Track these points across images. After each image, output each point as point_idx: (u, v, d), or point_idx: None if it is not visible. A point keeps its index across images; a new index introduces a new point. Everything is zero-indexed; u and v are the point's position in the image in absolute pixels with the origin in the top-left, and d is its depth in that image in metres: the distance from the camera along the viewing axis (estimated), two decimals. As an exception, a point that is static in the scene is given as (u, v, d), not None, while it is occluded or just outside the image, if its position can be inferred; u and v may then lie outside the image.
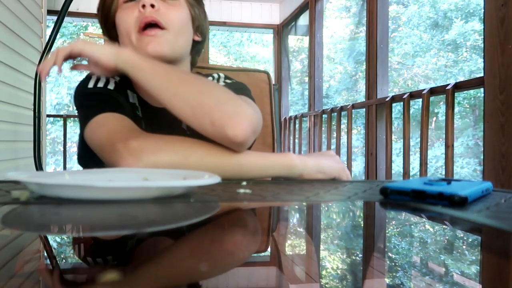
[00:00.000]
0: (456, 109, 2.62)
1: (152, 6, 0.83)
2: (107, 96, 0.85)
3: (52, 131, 10.85)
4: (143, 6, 0.82)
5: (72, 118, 4.52)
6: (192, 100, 0.72)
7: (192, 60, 0.98)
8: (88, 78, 0.90)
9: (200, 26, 0.94)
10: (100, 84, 0.87)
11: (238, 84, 0.96)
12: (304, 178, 0.76)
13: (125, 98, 0.88)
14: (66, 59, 0.78)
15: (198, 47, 0.97)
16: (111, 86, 0.88)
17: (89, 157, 0.81)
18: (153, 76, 0.75)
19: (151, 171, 0.63)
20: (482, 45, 1.95)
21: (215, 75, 0.99)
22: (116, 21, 0.88)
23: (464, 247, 0.38)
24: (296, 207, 0.54)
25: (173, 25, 0.85)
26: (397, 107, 5.78)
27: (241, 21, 4.92)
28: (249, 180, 0.71)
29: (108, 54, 0.76)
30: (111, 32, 0.92)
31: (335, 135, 3.38)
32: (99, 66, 0.78)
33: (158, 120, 0.88)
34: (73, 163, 10.47)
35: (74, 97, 0.91)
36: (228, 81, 0.98)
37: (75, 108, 0.90)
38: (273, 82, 1.34)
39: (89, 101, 0.85)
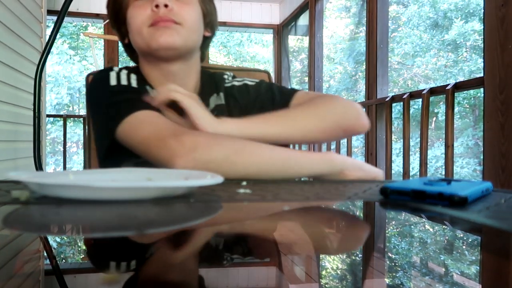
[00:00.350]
0: (456, 109, 2.62)
1: (166, 6, 0.82)
2: (137, 93, 0.84)
3: (52, 131, 10.85)
4: (157, 6, 0.82)
5: (72, 118, 4.52)
6: (321, 126, 0.82)
7: (202, 55, 0.98)
8: (105, 74, 0.88)
9: (211, 21, 0.94)
10: (124, 82, 0.86)
11: (266, 84, 0.97)
12: (346, 175, 0.76)
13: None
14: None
15: (207, 42, 0.98)
16: (134, 83, 0.87)
17: (111, 156, 0.81)
18: (270, 134, 0.78)
19: (154, 171, 0.63)
20: (482, 45, 1.95)
21: (228, 73, 1.01)
22: (128, 19, 0.88)
23: (464, 247, 0.38)
24: (296, 207, 0.54)
25: (187, 21, 0.85)
26: (397, 107, 5.77)
27: (241, 21, 4.92)
28: (288, 178, 0.71)
29: (207, 123, 0.76)
30: (121, 28, 0.92)
31: (335, 135, 3.37)
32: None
33: None
34: (73, 163, 10.47)
35: (93, 95, 0.88)
36: (250, 81, 0.99)
37: (92, 106, 0.87)
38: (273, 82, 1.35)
39: (119, 98, 0.83)
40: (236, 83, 0.98)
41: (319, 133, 0.82)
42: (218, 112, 0.96)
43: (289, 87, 1.00)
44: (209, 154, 0.67)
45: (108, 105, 0.83)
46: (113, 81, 0.86)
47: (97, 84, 0.88)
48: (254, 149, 0.71)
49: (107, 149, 0.83)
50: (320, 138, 0.84)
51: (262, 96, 0.96)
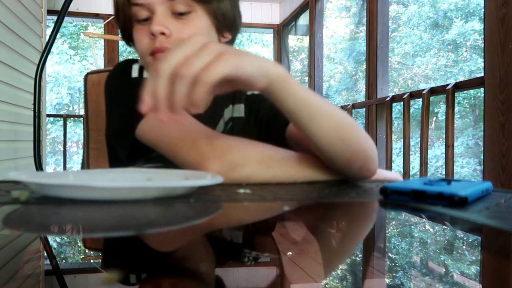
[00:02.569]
0: (456, 109, 2.62)
1: (163, 33, 0.75)
2: None
3: (52, 131, 10.85)
4: (153, 34, 0.75)
5: (72, 118, 4.53)
6: (356, 146, 0.66)
7: None
8: (127, 64, 0.83)
9: (229, 24, 0.83)
10: (146, 75, 0.81)
11: None
12: None
13: None
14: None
15: (228, 44, 0.87)
16: None
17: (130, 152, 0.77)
18: (319, 115, 0.62)
19: (154, 171, 0.63)
20: (482, 45, 1.95)
21: None
22: (133, 40, 0.82)
23: (464, 247, 0.38)
24: (296, 207, 0.54)
25: None
26: (397, 107, 5.78)
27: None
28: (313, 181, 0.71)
29: (260, 75, 0.56)
30: (130, 42, 0.86)
31: (335, 135, 3.37)
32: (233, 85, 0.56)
33: None
34: (73, 163, 10.47)
35: (111, 86, 0.82)
36: None
37: (108, 98, 0.81)
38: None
39: (141, 91, 0.77)
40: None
41: (346, 153, 0.65)
42: (233, 125, 0.91)
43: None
44: (243, 158, 0.65)
45: (129, 98, 0.74)
46: (135, 73, 0.81)
47: (117, 74, 0.83)
48: (288, 155, 0.69)
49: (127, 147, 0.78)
50: (341, 163, 0.66)
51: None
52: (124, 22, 0.83)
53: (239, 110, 0.91)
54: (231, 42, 0.88)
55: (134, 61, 0.85)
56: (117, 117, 0.80)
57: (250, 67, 0.53)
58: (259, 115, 0.90)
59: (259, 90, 0.57)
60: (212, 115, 0.89)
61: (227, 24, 0.83)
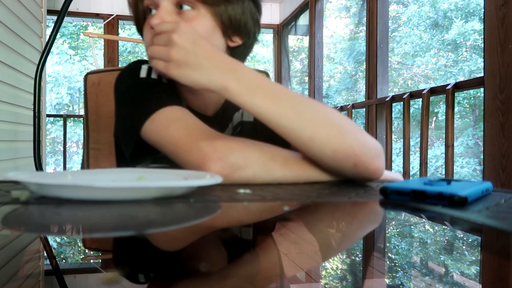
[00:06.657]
0: (456, 109, 2.62)
1: None
2: (168, 88, 0.79)
3: (52, 131, 10.85)
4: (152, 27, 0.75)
5: (72, 118, 4.53)
6: (334, 143, 0.65)
7: None
8: (135, 65, 0.84)
9: (238, 28, 0.82)
10: (154, 76, 0.82)
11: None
12: None
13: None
14: None
15: (238, 50, 0.86)
16: (164, 80, 0.83)
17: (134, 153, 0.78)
18: (281, 114, 0.66)
19: (150, 171, 0.63)
20: (482, 45, 1.95)
21: None
22: None
23: (464, 247, 0.38)
24: (296, 207, 0.54)
25: None
26: (397, 107, 5.78)
27: (241, 21, 4.90)
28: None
29: (212, 86, 0.65)
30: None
31: (335, 135, 3.37)
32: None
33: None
34: (73, 163, 10.46)
35: (119, 86, 0.83)
36: None
37: (117, 97, 0.83)
38: (273, 82, 1.34)
39: (149, 91, 0.77)
40: None
41: (326, 150, 0.65)
42: (242, 129, 0.92)
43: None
44: (244, 160, 0.65)
45: (135, 98, 0.78)
46: (143, 74, 0.83)
47: (125, 75, 0.85)
48: (289, 156, 0.69)
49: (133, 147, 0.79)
50: (326, 160, 0.67)
51: None
52: (138, 18, 0.84)
53: (248, 114, 0.91)
54: (243, 47, 0.86)
55: (144, 61, 0.86)
56: (123, 116, 0.81)
57: (200, 79, 0.65)
58: None
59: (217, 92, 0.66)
60: (221, 119, 0.90)
61: (235, 28, 0.82)
